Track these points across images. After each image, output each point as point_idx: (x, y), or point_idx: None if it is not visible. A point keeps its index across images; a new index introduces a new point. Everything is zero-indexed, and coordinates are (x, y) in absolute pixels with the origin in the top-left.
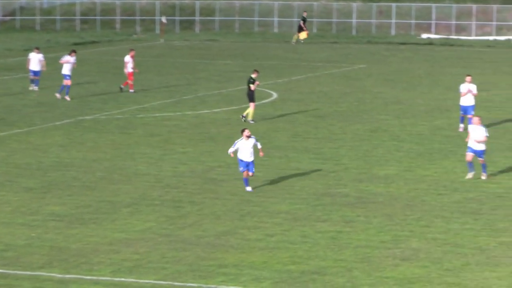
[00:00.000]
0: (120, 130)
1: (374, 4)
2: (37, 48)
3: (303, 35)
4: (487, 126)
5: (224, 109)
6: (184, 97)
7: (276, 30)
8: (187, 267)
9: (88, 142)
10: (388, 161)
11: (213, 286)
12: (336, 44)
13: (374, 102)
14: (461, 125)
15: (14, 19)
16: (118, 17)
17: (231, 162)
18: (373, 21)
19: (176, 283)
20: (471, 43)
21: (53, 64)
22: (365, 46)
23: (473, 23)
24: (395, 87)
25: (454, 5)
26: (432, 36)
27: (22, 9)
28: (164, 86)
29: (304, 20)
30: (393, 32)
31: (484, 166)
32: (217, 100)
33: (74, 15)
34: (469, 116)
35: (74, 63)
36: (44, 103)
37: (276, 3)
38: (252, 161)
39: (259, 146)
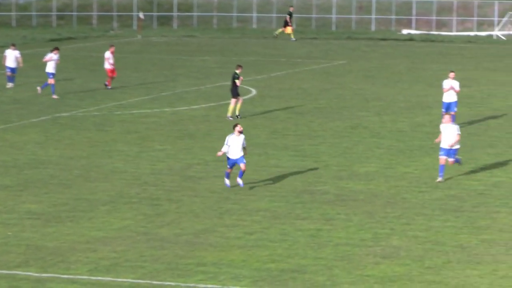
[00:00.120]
0: (97, 127)
1: None
2: (13, 45)
3: (288, 30)
4: (469, 123)
5: (202, 105)
6: (162, 94)
7: (255, 26)
8: (165, 265)
9: (64, 140)
10: (368, 158)
11: (191, 284)
12: (315, 40)
13: (354, 99)
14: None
15: None
16: (95, 13)
17: (209, 159)
18: (353, 16)
19: (154, 282)
20: (452, 39)
21: (30, 61)
22: (345, 42)
23: (454, 18)
24: (375, 83)
25: (435, 1)
26: (413, 31)
27: None
28: (141, 82)
29: (290, 15)
30: (373, 27)
31: (457, 160)
32: (195, 96)
33: (51, 11)
34: (452, 113)
35: (57, 60)
36: (20, 100)
37: None
38: (242, 156)
39: (244, 144)
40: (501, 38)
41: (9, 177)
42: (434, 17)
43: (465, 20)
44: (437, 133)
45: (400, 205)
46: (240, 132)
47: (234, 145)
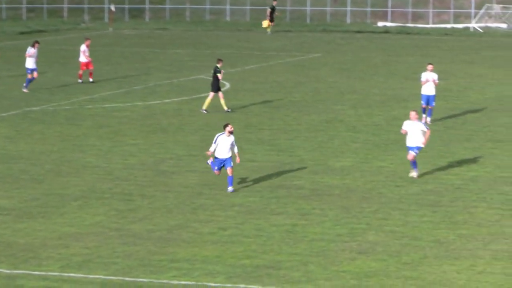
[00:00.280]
0: (69, 121)
1: None
2: None
3: (265, 23)
4: (445, 116)
5: (175, 99)
6: (134, 87)
7: (228, 18)
8: (138, 262)
9: (35, 134)
10: (344, 152)
11: (165, 281)
12: (290, 32)
13: (330, 92)
14: (424, 116)
15: None
16: (65, 5)
17: (182, 154)
18: (328, 8)
19: (126, 279)
20: (428, 31)
21: None
22: (320, 34)
23: (430, 10)
24: (350, 76)
25: None
26: (389, 24)
27: None
28: (113, 76)
29: (272, 9)
30: (348, 20)
31: (415, 164)
32: (168, 90)
33: (20, 3)
34: (429, 107)
35: (33, 53)
36: None
37: None
38: (230, 157)
39: (236, 150)
40: (478, 30)
41: None
42: (410, 9)
43: (442, 12)
44: None
45: (376, 200)
46: (231, 133)
47: (222, 145)
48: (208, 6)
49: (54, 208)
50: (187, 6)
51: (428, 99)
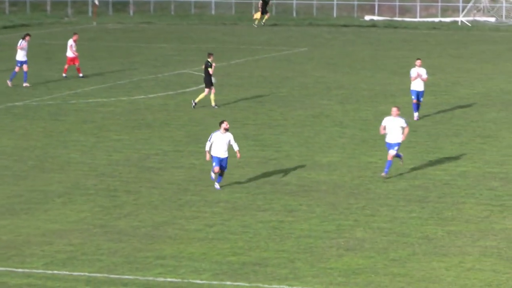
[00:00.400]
0: (52, 116)
1: None
2: None
3: (257, 15)
4: (433, 111)
5: (160, 94)
6: (119, 82)
7: (213, 12)
8: (123, 259)
9: (18, 130)
10: (331, 147)
11: (150, 278)
12: (276, 26)
13: (316, 87)
14: (415, 114)
15: None
16: None
17: (168, 149)
18: (314, 2)
19: (111, 276)
20: (415, 25)
21: None
22: (306, 28)
23: (418, 4)
24: (337, 71)
25: None
26: (376, 18)
27: None
28: (97, 70)
29: (264, 2)
30: (335, 14)
31: (398, 155)
32: (152, 85)
33: None
34: (417, 102)
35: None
36: None
37: None
38: (226, 158)
39: (236, 147)
40: (466, 24)
41: None
42: (397, 3)
43: (429, 5)
44: None
45: (364, 196)
46: (226, 130)
47: (218, 143)
48: (193, 0)
49: (38, 204)
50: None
51: (418, 95)
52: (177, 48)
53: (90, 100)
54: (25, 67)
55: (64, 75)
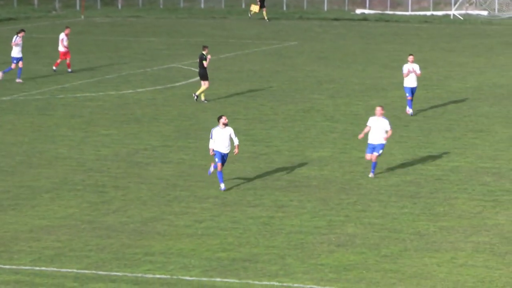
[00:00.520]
0: (40, 111)
1: None
2: None
3: (255, 8)
4: (425, 106)
5: (148, 88)
6: (107, 77)
7: (202, 5)
8: (112, 255)
9: (6, 125)
10: (321, 142)
11: (139, 275)
12: (266, 20)
13: (307, 81)
14: (409, 109)
15: None
16: None
17: (156, 144)
18: None
19: (100, 272)
20: (407, 19)
21: None
22: (296, 22)
23: None
24: (328, 65)
25: None
26: (367, 11)
27: None
28: (85, 65)
29: None
30: (326, 7)
31: (374, 165)
32: (141, 79)
33: None
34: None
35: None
36: None
37: None
38: (227, 154)
39: (236, 141)
40: (458, 17)
41: None
42: None
43: None
44: (393, 116)
45: (355, 191)
46: (225, 125)
47: (219, 138)
48: None
49: (25, 200)
50: None
51: (412, 91)
52: (166, 42)
53: (78, 95)
54: (20, 63)
55: (54, 68)
